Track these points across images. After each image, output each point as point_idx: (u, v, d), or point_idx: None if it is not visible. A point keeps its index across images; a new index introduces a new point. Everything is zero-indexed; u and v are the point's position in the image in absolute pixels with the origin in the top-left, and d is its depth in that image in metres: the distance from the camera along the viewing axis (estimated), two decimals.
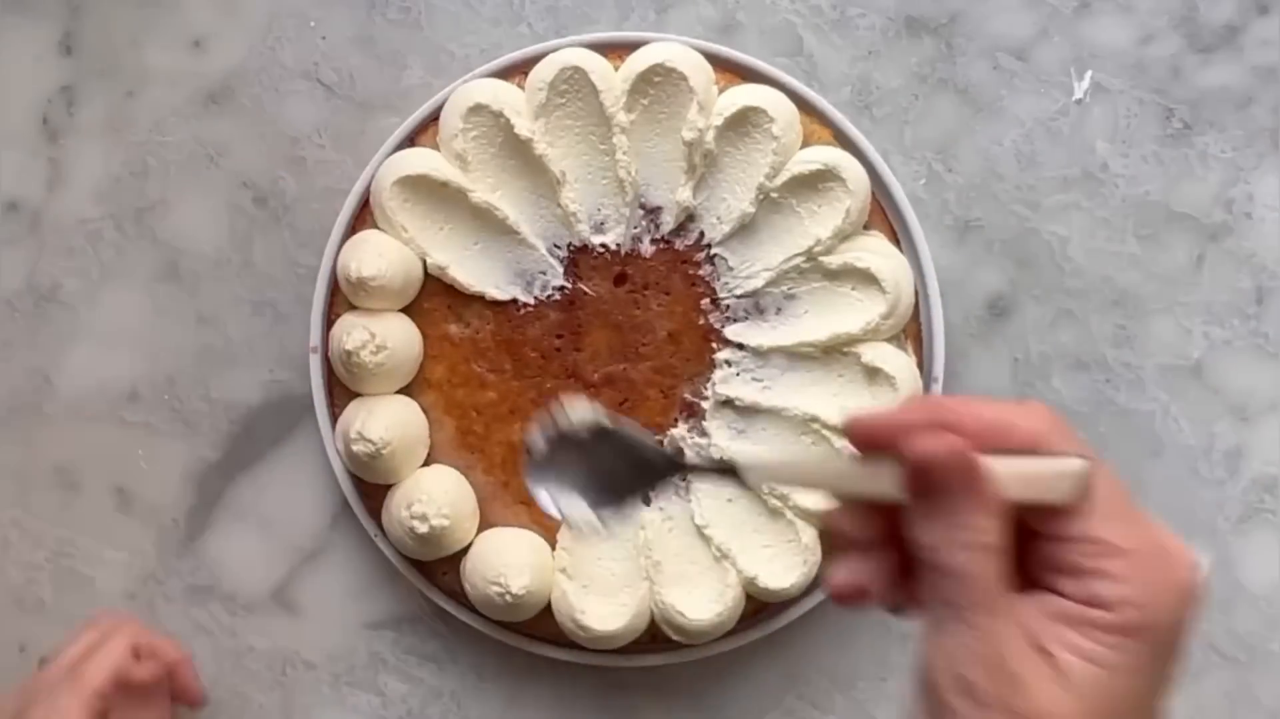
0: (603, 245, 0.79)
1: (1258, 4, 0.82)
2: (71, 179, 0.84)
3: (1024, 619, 0.48)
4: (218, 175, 0.84)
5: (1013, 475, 0.49)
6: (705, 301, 0.79)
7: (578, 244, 0.79)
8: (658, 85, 0.77)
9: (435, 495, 0.76)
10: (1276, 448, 0.81)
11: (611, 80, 0.77)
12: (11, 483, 0.84)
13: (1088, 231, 0.82)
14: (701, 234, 0.79)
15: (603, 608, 0.77)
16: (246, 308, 0.83)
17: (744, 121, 0.77)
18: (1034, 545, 0.49)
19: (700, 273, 0.79)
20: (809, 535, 0.76)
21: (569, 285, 0.79)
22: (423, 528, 0.76)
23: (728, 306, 0.79)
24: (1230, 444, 0.81)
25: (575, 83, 0.77)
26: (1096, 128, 0.82)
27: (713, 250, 0.79)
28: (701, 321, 0.79)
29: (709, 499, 0.78)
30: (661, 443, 0.78)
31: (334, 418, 0.80)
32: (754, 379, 0.79)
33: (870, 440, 0.50)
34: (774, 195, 0.78)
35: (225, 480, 0.83)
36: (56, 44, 0.85)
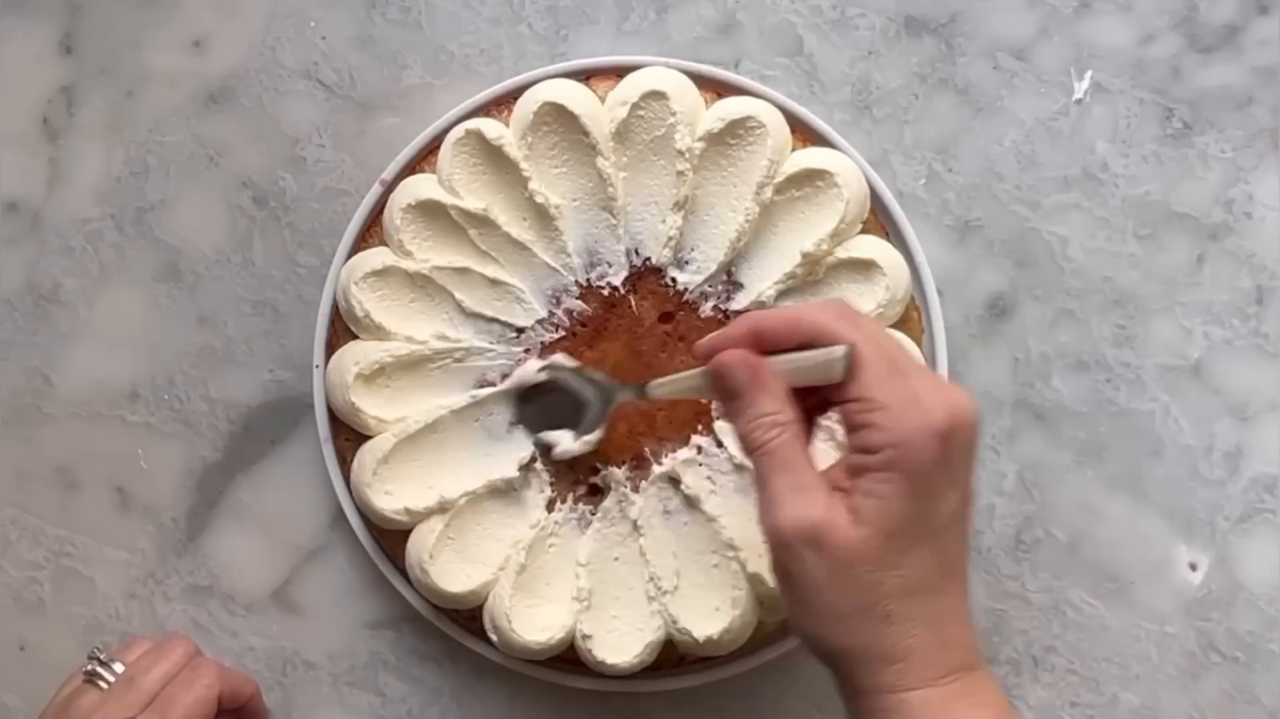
0: (671, 280, 0.78)
1: (1258, 4, 0.82)
2: (71, 179, 0.84)
3: (830, 474, 0.62)
4: (218, 175, 0.84)
5: (794, 369, 0.62)
6: None
7: (649, 269, 0.79)
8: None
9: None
10: (1276, 448, 0.81)
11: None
12: (11, 482, 0.84)
13: (1088, 231, 0.82)
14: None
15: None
16: (246, 308, 0.83)
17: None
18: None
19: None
20: None
21: (622, 289, 0.79)
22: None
23: None
24: (1230, 444, 0.81)
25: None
26: (1096, 128, 0.82)
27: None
28: None
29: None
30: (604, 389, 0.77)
31: (334, 424, 0.80)
32: None
33: (705, 357, 0.64)
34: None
35: (225, 480, 0.83)
36: (56, 44, 0.85)
